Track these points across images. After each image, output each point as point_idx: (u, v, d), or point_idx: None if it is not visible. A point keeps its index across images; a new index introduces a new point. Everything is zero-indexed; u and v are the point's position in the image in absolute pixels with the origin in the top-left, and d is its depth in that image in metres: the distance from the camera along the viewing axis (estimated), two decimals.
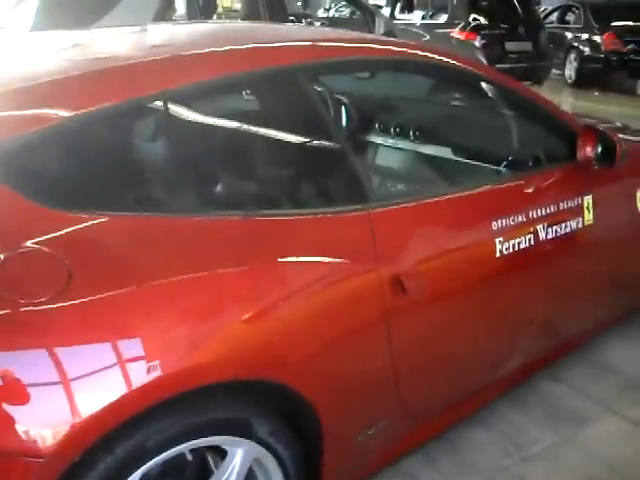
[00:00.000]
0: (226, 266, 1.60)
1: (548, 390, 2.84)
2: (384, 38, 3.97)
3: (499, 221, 2.21)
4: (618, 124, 3.66)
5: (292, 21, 6.59)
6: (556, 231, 2.42)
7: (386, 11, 10.16)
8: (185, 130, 1.96)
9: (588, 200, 2.57)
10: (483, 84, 2.56)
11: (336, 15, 7.53)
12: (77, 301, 1.38)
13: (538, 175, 2.51)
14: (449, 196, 2.15)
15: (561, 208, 2.46)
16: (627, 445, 2.53)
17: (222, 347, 1.55)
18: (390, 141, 3.04)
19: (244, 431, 1.64)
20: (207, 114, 2.13)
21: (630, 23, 11.42)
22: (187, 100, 1.90)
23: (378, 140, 3.07)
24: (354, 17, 6.88)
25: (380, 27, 5.88)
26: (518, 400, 2.73)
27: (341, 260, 1.82)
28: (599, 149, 2.51)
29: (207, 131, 2.12)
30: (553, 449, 2.49)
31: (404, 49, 2.37)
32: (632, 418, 2.67)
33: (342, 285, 1.82)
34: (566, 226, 2.47)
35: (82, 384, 1.35)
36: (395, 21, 8.93)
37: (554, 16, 13.22)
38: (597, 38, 11.52)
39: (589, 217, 2.57)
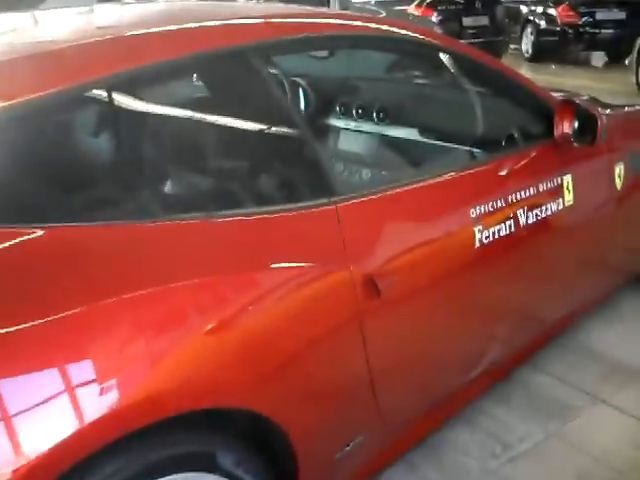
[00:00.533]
0: (183, 276, 1.39)
1: (531, 381, 2.69)
2: (341, 12, 3.74)
3: (477, 208, 2.02)
4: (585, 97, 3.51)
5: None
6: (537, 214, 2.25)
7: None
8: (129, 123, 1.73)
9: (567, 180, 2.40)
10: (450, 58, 2.35)
11: None
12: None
13: (514, 156, 2.32)
14: (422, 183, 1.94)
15: (541, 190, 2.28)
16: (614, 435, 2.39)
17: (178, 373, 1.33)
18: (353, 125, 2.82)
19: (207, 464, 1.43)
20: (153, 103, 1.88)
21: None
22: (130, 88, 1.65)
23: (341, 124, 2.85)
24: None
25: (335, 4, 5.64)
26: (501, 395, 2.57)
27: (307, 263, 1.61)
28: (577, 125, 2.33)
29: (153, 123, 1.87)
30: (541, 446, 2.33)
31: (364, 23, 2.15)
32: (617, 405, 2.54)
33: (310, 291, 1.61)
34: (547, 208, 2.30)
35: (16, 423, 1.13)
36: None
37: None
38: (552, 11, 11.41)
39: (569, 197, 2.40)
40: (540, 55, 11.56)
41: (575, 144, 2.36)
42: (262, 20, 1.98)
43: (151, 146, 1.78)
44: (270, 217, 1.59)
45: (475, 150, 2.40)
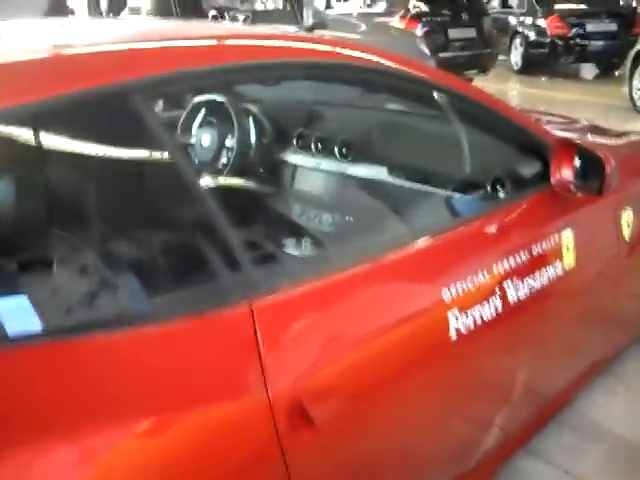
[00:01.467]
0: None
1: (527, 470, 2.19)
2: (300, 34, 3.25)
3: (452, 286, 1.52)
4: (583, 123, 3.04)
5: (215, 16, 5.81)
6: (530, 286, 1.75)
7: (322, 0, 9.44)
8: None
9: (567, 236, 1.91)
10: (428, 89, 1.86)
11: (259, 7, 6.79)
12: None
13: (501, 209, 1.84)
14: (378, 259, 1.44)
15: (535, 253, 1.79)
16: None
17: None
18: (291, 179, 2.33)
19: None
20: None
21: (573, 6, 10.91)
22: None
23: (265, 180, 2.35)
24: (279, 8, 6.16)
25: (308, 18, 5.16)
26: None
27: (207, 390, 1.11)
28: (579, 169, 1.85)
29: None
30: None
31: (328, 48, 1.67)
32: None
33: (212, 427, 1.12)
34: (543, 276, 1.80)
35: None
36: (331, 10, 8.21)
37: (496, 1, 12.67)
38: (542, 22, 10.96)
39: (570, 259, 1.91)
40: (529, 67, 11.10)
41: (578, 194, 1.87)
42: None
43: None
44: (151, 330, 1.09)
45: (453, 199, 1.91)
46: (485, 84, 8.35)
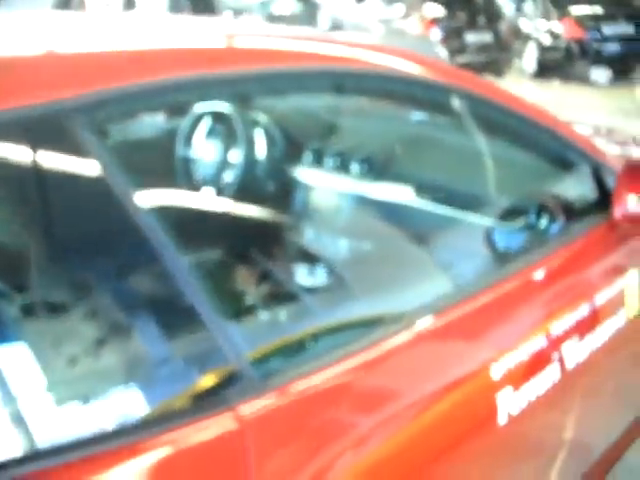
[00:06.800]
0: None
1: None
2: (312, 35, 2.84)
3: (502, 360, 1.13)
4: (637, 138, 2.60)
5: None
6: (590, 345, 1.36)
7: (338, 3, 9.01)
8: None
9: (633, 279, 1.51)
10: (464, 99, 1.45)
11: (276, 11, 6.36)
12: None
13: (555, 247, 1.44)
14: (404, 334, 1.05)
15: (596, 304, 1.39)
16: None
17: None
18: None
19: None
20: None
21: (589, 8, 10.39)
22: None
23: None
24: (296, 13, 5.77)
25: (326, 21, 4.76)
26: None
27: None
28: None
29: None
30: None
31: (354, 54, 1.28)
32: None
33: None
34: (604, 331, 1.41)
35: None
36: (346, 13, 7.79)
37: (510, 5, 12.15)
38: (557, 26, 10.45)
39: (636, 305, 1.52)
40: (543, 72, 10.58)
41: None
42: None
43: None
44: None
45: (492, 233, 1.51)
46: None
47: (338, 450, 0.90)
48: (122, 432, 0.76)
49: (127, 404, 0.82)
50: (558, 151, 1.55)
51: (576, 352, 1.30)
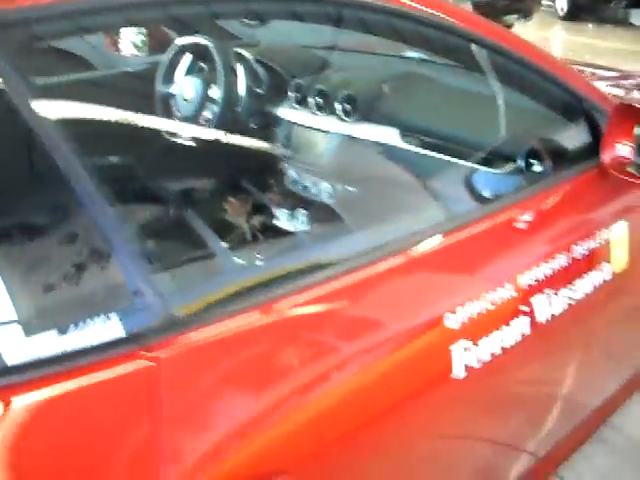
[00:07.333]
0: None
1: None
2: None
3: (461, 307, 1.06)
4: None
5: None
6: (568, 299, 1.28)
7: None
8: None
9: (621, 231, 1.42)
10: (455, 36, 1.34)
11: None
12: None
13: (538, 192, 1.34)
14: (358, 271, 0.99)
15: (577, 254, 1.30)
16: None
17: None
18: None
19: None
20: None
21: None
22: None
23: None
24: None
25: None
26: None
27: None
28: None
29: None
30: None
31: None
32: None
33: None
34: (584, 285, 1.32)
35: None
36: None
37: None
38: None
39: (622, 259, 1.42)
40: (575, 13, 10.14)
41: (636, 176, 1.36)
42: None
43: None
44: None
45: (475, 176, 1.43)
46: (526, 31, 7.59)
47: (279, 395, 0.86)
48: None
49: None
50: (553, 93, 1.44)
51: (550, 306, 1.22)
